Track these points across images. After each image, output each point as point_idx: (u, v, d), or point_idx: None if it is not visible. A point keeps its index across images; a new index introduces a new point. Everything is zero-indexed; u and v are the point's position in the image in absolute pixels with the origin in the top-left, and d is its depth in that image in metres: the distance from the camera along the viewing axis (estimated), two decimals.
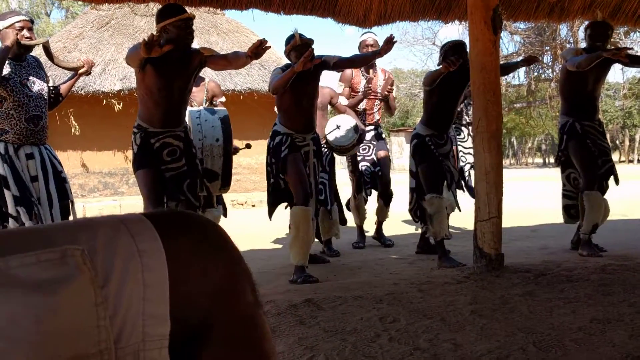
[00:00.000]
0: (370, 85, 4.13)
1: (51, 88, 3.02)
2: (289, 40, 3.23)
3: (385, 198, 4.18)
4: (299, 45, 3.13)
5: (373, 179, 4.18)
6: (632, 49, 3.58)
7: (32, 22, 2.84)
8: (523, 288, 2.55)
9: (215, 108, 3.62)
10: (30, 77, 2.82)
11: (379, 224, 4.32)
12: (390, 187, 4.21)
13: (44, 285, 0.42)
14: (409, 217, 3.97)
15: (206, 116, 3.28)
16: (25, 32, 2.75)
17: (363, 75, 4.17)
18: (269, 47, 2.69)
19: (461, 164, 4.62)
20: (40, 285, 0.42)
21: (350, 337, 1.93)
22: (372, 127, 4.24)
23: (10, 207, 2.67)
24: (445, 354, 1.75)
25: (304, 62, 2.87)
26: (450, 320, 2.09)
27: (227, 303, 0.50)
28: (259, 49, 2.65)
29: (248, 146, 4.04)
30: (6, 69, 2.70)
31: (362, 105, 4.17)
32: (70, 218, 2.93)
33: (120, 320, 0.44)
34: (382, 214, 4.25)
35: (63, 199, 2.87)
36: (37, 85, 2.84)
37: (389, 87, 4.13)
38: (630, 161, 28.23)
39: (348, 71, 4.15)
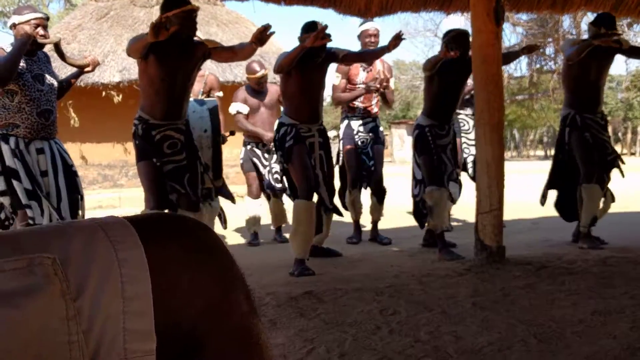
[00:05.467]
0: (373, 82, 3.98)
1: (64, 83, 3.05)
2: (308, 27, 3.12)
3: (379, 194, 4.10)
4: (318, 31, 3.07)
5: (368, 174, 4.09)
6: (620, 34, 3.51)
7: (47, 19, 2.84)
8: (524, 280, 2.54)
9: (205, 99, 3.62)
10: (41, 72, 2.83)
11: (374, 225, 4.23)
12: (383, 183, 4.13)
13: (6, 298, 0.38)
14: (411, 209, 3.96)
15: (194, 107, 3.26)
16: (40, 30, 2.76)
17: (361, 67, 4.06)
18: (273, 33, 2.66)
19: (464, 155, 4.59)
20: (1, 297, 0.38)
21: (350, 330, 1.93)
22: (370, 119, 4.14)
23: (23, 199, 2.67)
24: (446, 346, 1.75)
25: (315, 38, 2.82)
26: (451, 313, 2.09)
27: (219, 315, 0.46)
28: (263, 34, 2.63)
29: (232, 133, 4.05)
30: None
31: (359, 99, 4.08)
32: (79, 213, 2.94)
33: (97, 336, 0.40)
34: (376, 212, 4.15)
35: (73, 192, 2.88)
36: (48, 80, 2.86)
37: (385, 83, 3.99)
38: (632, 154, 28.16)
39: None
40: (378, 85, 3.92)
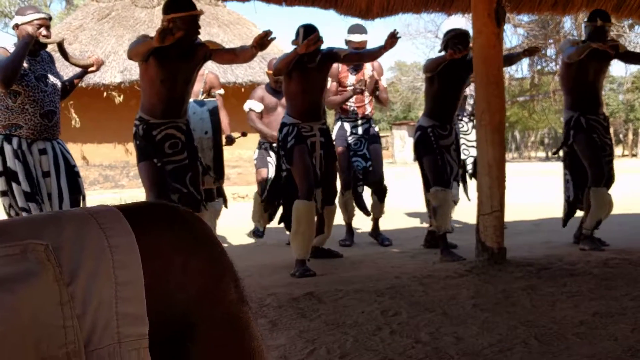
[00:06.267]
0: (359, 85, 3.95)
1: (66, 83, 3.05)
2: (299, 32, 3.19)
3: (379, 194, 4.07)
4: (306, 33, 3.10)
5: (365, 175, 4.04)
6: (617, 42, 3.55)
7: (50, 19, 2.85)
8: (525, 282, 2.54)
9: (205, 100, 3.61)
10: (45, 73, 2.83)
11: (375, 222, 4.21)
12: (384, 182, 4.10)
13: (1, 283, 0.39)
14: (412, 210, 3.96)
15: (194, 109, 3.26)
16: (43, 30, 2.76)
17: (349, 70, 4.05)
18: (274, 38, 2.68)
19: (463, 156, 4.57)
20: None
21: (351, 331, 1.93)
22: (364, 120, 4.11)
23: (20, 201, 2.68)
24: (446, 347, 1.74)
25: (308, 45, 2.87)
26: (452, 314, 2.09)
27: (209, 302, 0.47)
28: (264, 39, 2.65)
29: (244, 134, 4.02)
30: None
31: (351, 101, 4.06)
32: None
33: (90, 320, 0.41)
34: (377, 210, 4.12)
35: (75, 192, 2.88)
36: (51, 80, 2.85)
37: (372, 85, 3.92)
38: (634, 155, 28.10)
39: (334, 66, 3.95)
40: (363, 88, 3.91)
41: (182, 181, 2.85)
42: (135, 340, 0.42)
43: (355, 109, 4.09)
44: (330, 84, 4.02)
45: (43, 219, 0.46)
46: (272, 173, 4.18)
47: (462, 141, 4.57)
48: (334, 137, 4.14)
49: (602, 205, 3.52)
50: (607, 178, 3.61)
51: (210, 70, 4.32)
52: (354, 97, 4.05)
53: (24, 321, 0.39)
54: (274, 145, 4.11)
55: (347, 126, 4.10)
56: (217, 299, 0.48)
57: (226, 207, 3.55)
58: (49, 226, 0.44)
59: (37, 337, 0.39)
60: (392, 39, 3.10)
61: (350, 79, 4.06)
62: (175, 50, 2.72)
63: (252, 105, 4.12)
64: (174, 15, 2.67)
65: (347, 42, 4.01)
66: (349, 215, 4.16)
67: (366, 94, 4.06)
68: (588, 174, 3.56)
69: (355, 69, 4.08)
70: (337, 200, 3.53)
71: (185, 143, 2.89)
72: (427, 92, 3.70)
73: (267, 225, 4.43)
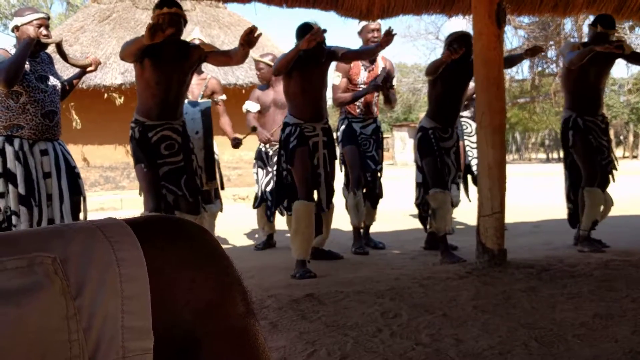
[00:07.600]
0: (379, 78, 3.80)
1: (66, 84, 3.05)
2: (302, 29, 3.17)
3: (373, 200, 4.00)
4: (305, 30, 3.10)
5: (373, 178, 3.94)
6: (623, 40, 3.52)
7: (48, 19, 2.86)
8: (526, 283, 2.54)
9: (199, 101, 3.61)
10: (45, 73, 2.84)
11: (366, 229, 4.11)
12: (377, 188, 4.02)
13: (7, 296, 0.39)
14: (413, 212, 3.96)
15: (187, 109, 3.26)
16: (43, 30, 2.77)
17: (363, 66, 3.94)
18: (260, 34, 2.67)
19: (468, 158, 4.56)
20: (3, 295, 0.39)
21: (351, 332, 1.93)
22: (371, 120, 4.00)
23: (13, 204, 2.68)
24: (447, 349, 1.74)
25: (310, 40, 2.86)
26: (452, 316, 2.09)
27: (216, 316, 0.47)
28: (250, 36, 2.63)
29: (254, 129, 3.99)
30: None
31: (359, 99, 3.96)
32: (81, 215, 2.94)
33: (96, 334, 0.41)
34: (369, 217, 4.02)
35: (75, 194, 2.88)
36: (52, 81, 2.86)
37: (388, 83, 3.79)
38: (635, 157, 28.07)
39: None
40: (380, 83, 3.74)
41: (177, 184, 2.85)
42: (140, 355, 0.42)
43: (363, 108, 3.97)
44: (340, 80, 3.90)
45: (50, 231, 0.45)
46: (260, 178, 4.14)
47: (466, 142, 4.56)
48: (340, 136, 4.03)
49: (596, 205, 3.53)
50: (603, 179, 3.61)
51: (212, 74, 4.31)
52: (362, 98, 3.92)
53: (30, 334, 0.39)
54: (268, 146, 4.10)
55: (356, 126, 3.96)
56: (224, 313, 0.48)
57: (221, 211, 3.55)
58: (56, 239, 0.44)
59: (42, 351, 0.39)
60: (388, 36, 3.10)
61: (362, 76, 3.94)
62: (169, 53, 2.73)
63: (248, 106, 4.12)
64: (158, 12, 2.70)
65: (363, 28, 3.91)
66: (359, 218, 3.86)
67: (374, 94, 3.97)
68: (582, 174, 3.57)
69: (369, 65, 3.95)
70: (335, 200, 3.52)
71: (182, 144, 2.89)
72: (429, 94, 3.69)
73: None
